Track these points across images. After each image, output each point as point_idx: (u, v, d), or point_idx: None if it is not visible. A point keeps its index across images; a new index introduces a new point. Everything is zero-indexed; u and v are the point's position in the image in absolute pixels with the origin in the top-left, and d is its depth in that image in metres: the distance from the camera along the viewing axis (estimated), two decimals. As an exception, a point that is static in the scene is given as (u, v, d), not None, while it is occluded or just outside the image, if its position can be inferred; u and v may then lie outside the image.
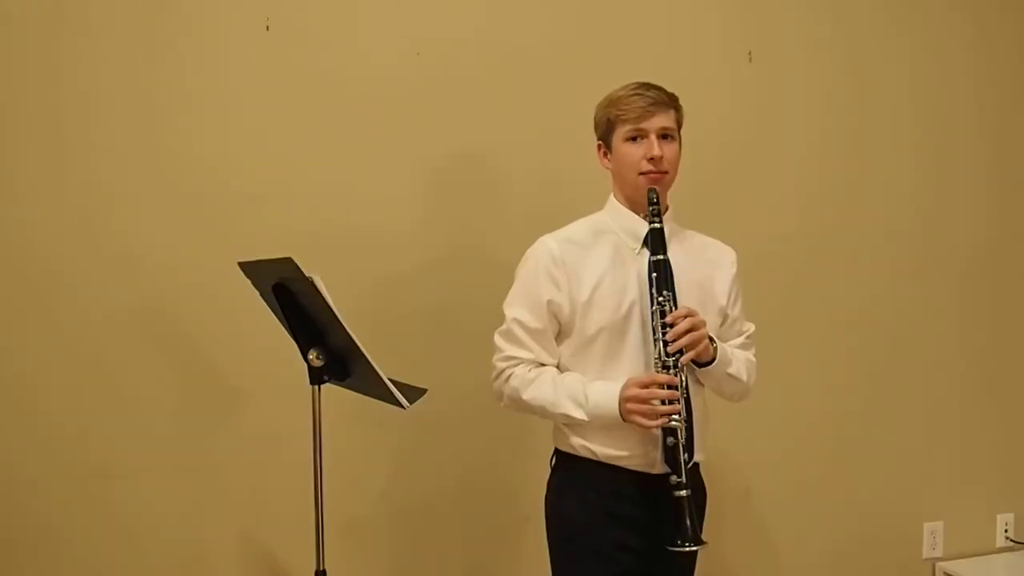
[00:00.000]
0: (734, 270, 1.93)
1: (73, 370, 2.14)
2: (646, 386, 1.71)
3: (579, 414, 1.76)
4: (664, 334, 1.71)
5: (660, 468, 1.78)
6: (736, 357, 1.87)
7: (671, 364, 1.71)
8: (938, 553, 2.90)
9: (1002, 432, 2.98)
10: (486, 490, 2.44)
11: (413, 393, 1.82)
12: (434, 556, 2.41)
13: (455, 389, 2.33)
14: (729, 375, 1.84)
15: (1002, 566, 2.90)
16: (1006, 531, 2.98)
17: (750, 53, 2.64)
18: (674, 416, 1.69)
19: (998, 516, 2.98)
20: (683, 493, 1.68)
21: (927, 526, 2.89)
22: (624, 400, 1.72)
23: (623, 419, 1.72)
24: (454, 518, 2.42)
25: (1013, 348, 2.98)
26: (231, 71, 2.22)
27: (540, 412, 1.82)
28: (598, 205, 1.92)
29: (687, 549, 1.68)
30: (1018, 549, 2.97)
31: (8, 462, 2.11)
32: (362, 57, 2.31)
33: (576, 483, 1.85)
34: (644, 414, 1.69)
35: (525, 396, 1.81)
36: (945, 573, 2.87)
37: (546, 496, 1.93)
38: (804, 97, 2.70)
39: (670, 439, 1.70)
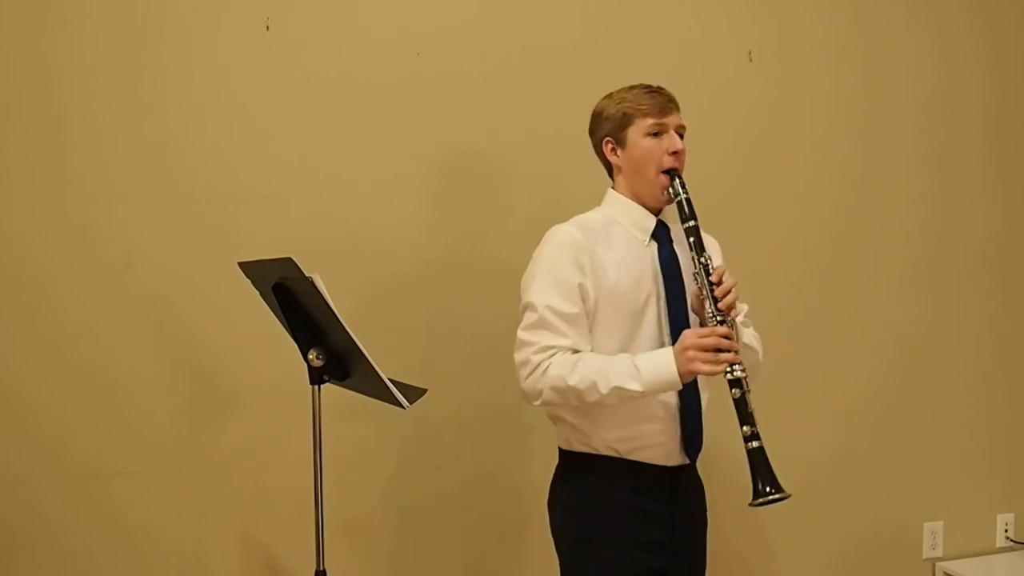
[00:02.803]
0: (721, 255, 1.96)
1: (73, 370, 2.14)
2: (705, 336, 1.69)
3: (634, 385, 1.70)
4: (712, 291, 1.72)
5: (678, 459, 1.83)
6: (745, 332, 1.88)
7: (722, 319, 1.71)
8: (938, 553, 2.90)
9: (1003, 432, 2.98)
10: (487, 490, 2.44)
11: (413, 393, 1.82)
12: (434, 556, 2.41)
13: (455, 389, 2.33)
14: (746, 344, 1.85)
15: (1002, 566, 2.90)
16: (1006, 531, 2.98)
17: (750, 53, 2.64)
18: (736, 366, 1.68)
19: (998, 516, 2.98)
20: (757, 444, 1.69)
21: (927, 526, 2.89)
22: (684, 349, 1.69)
23: (681, 376, 1.69)
24: (454, 518, 2.41)
25: (1014, 349, 2.98)
26: (231, 71, 2.21)
27: (588, 394, 1.72)
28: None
29: (773, 497, 1.68)
30: (1018, 549, 2.97)
31: (8, 462, 2.11)
32: (362, 57, 2.31)
33: (597, 484, 1.84)
34: (707, 360, 1.67)
35: (572, 381, 1.72)
36: (945, 573, 2.87)
37: (555, 498, 1.92)
38: (805, 97, 2.70)
39: (735, 391, 1.69)
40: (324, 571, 1.87)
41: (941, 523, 2.90)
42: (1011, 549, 2.97)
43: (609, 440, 1.81)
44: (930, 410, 2.88)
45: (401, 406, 1.76)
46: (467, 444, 2.41)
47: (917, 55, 2.82)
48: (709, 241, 1.93)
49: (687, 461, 1.85)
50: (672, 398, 1.80)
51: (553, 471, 1.94)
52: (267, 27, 2.23)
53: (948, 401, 2.90)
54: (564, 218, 1.91)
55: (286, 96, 2.25)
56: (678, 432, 1.81)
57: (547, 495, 1.95)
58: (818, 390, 2.75)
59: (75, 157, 2.13)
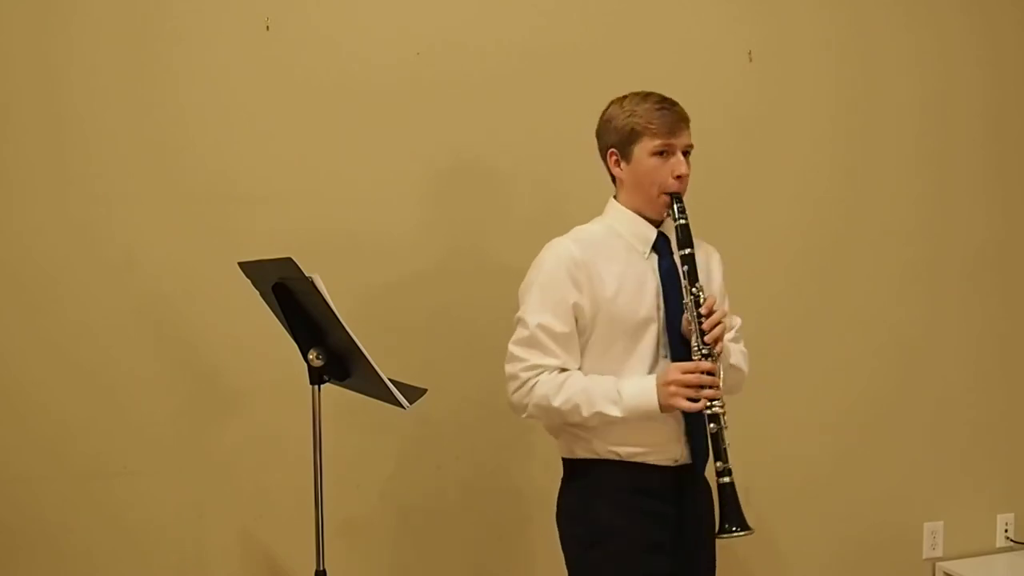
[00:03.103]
0: (722, 268, 1.96)
1: (73, 370, 2.14)
2: (689, 371, 1.71)
3: (614, 411, 1.73)
4: (700, 324, 1.73)
5: (683, 460, 1.83)
6: (733, 349, 1.89)
7: (707, 353, 1.73)
8: (938, 553, 2.90)
9: (1003, 432, 2.98)
10: (487, 491, 2.43)
11: (413, 393, 1.82)
12: (434, 556, 2.41)
13: (455, 389, 2.33)
14: (732, 365, 1.87)
15: (1002, 566, 2.90)
16: (1006, 531, 2.98)
17: (750, 53, 2.64)
18: (715, 401, 1.71)
19: (998, 516, 2.98)
20: (728, 479, 1.71)
21: (927, 526, 2.89)
22: (666, 383, 1.71)
23: (662, 408, 1.72)
24: (454, 518, 2.41)
25: (1014, 349, 2.98)
26: (231, 71, 2.21)
27: (571, 416, 1.76)
28: (600, 208, 1.92)
29: (736, 535, 1.70)
30: (1018, 549, 2.97)
31: (8, 462, 2.11)
32: (362, 57, 2.31)
33: (600, 486, 1.84)
34: (689, 397, 1.70)
35: (556, 402, 1.75)
36: (945, 573, 2.87)
37: (562, 507, 1.91)
38: (805, 97, 2.70)
39: (712, 425, 1.71)
40: (324, 571, 1.87)
41: (941, 523, 2.90)
42: (1011, 549, 2.97)
43: (613, 444, 1.81)
44: (930, 410, 2.88)
45: (401, 406, 1.76)
46: (467, 444, 2.41)
47: (917, 55, 2.82)
48: (709, 253, 1.95)
49: (691, 461, 1.85)
50: None
51: (550, 474, 1.94)
52: (267, 27, 2.23)
53: (948, 401, 2.90)
54: (564, 219, 1.91)
55: (286, 96, 2.25)
56: (682, 433, 1.82)
57: (545, 496, 1.94)
58: (818, 390, 2.74)
59: (75, 157, 2.13)
